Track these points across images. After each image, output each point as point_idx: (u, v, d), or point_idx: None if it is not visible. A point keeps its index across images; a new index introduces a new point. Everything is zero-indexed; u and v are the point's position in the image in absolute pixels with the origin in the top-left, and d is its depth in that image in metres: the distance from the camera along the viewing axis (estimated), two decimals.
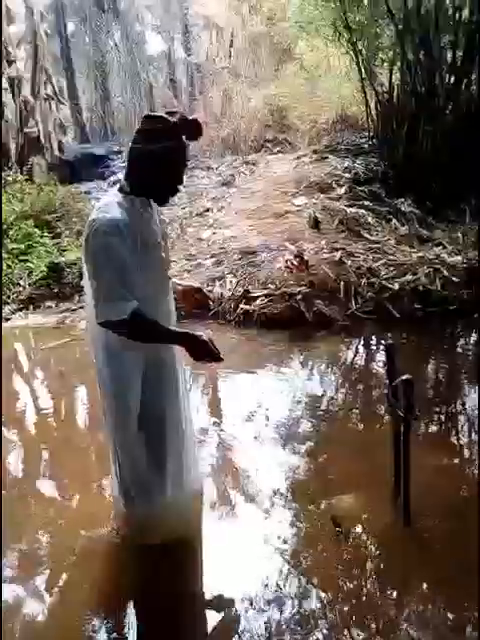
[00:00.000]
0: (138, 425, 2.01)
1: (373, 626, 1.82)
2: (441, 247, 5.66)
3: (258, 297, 5.02)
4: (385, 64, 8.28)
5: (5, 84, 10.01)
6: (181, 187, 1.94)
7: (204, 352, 1.88)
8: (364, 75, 7.95)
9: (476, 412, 3.19)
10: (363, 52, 7.99)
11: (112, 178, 9.60)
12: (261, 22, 13.39)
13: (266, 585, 2.00)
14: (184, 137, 1.84)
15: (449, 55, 7.04)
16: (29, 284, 6.17)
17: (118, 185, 1.92)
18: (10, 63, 10.10)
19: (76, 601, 2.01)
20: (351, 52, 8.04)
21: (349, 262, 5.31)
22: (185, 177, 1.95)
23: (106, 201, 1.86)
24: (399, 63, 7.43)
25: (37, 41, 10.51)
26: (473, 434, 3.00)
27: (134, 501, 2.14)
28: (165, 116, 1.83)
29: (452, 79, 6.96)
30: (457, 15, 6.79)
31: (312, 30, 9.53)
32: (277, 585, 1.99)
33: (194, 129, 1.85)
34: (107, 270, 1.76)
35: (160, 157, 1.81)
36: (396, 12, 7.01)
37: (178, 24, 14.89)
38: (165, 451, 2.07)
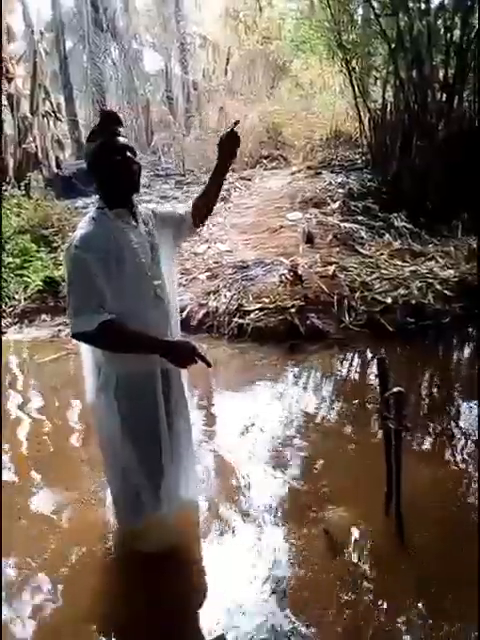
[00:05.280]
0: (132, 441, 2.00)
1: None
2: (434, 261, 5.71)
3: (252, 311, 5.05)
4: (378, 82, 8.43)
5: (4, 101, 10.09)
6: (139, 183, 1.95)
7: (190, 357, 1.90)
8: (358, 92, 8.09)
9: (467, 424, 3.22)
10: (357, 70, 8.14)
11: None
12: (257, 40, 13.62)
13: (259, 597, 2.00)
14: (111, 130, 1.89)
15: (441, 73, 7.18)
16: (25, 298, 6.19)
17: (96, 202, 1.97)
18: (9, 80, 10.20)
19: (70, 612, 2.01)
20: (345, 70, 8.20)
21: (342, 276, 5.36)
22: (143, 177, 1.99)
23: (83, 219, 1.92)
24: (392, 81, 7.57)
25: (36, 59, 10.63)
26: (464, 447, 3.01)
27: (129, 514, 2.14)
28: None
29: (444, 96, 7.09)
30: (448, 35, 6.94)
31: (307, 49, 9.73)
32: (269, 599, 1.99)
33: (105, 116, 1.93)
34: (77, 284, 1.83)
35: (96, 157, 1.88)
36: (389, 32, 7.16)
37: (175, 42, 15.08)
38: (160, 467, 2.05)
